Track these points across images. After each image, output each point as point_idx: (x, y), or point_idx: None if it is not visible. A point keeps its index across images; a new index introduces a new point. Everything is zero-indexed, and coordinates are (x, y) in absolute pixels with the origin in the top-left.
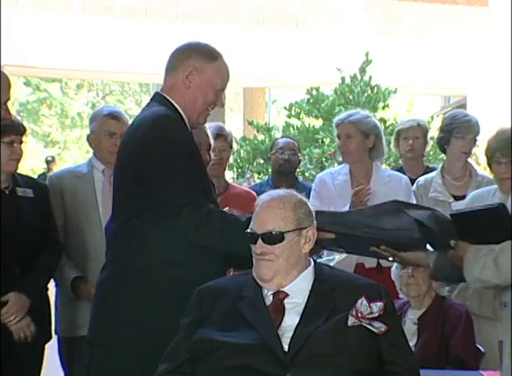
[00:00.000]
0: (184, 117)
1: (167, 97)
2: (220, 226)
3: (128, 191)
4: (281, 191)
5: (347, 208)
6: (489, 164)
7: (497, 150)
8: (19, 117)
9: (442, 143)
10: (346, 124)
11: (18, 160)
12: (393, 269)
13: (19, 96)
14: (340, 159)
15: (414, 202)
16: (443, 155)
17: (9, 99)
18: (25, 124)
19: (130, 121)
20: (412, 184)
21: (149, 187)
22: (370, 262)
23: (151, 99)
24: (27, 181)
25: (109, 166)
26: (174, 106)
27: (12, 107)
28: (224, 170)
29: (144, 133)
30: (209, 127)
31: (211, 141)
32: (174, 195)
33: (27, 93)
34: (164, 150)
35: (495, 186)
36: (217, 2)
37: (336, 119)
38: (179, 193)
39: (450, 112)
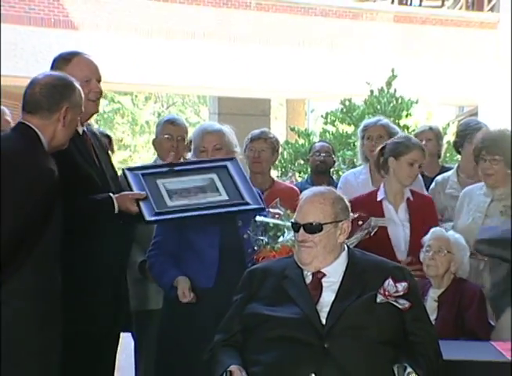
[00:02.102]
0: None
1: None
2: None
3: None
4: (322, 188)
5: None
6: (476, 161)
7: (483, 149)
8: (96, 125)
9: (457, 147)
10: (378, 126)
11: None
12: (421, 252)
13: None
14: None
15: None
16: (458, 156)
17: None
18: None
19: (188, 127)
20: (430, 182)
21: None
22: None
23: None
24: None
25: None
26: None
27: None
28: (266, 168)
29: None
30: (253, 131)
31: (224, 145)
32: None
33: (103, 105)
34: None
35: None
36: (264, 26)
37: (365, 123)
38: None
39: (464, 120)
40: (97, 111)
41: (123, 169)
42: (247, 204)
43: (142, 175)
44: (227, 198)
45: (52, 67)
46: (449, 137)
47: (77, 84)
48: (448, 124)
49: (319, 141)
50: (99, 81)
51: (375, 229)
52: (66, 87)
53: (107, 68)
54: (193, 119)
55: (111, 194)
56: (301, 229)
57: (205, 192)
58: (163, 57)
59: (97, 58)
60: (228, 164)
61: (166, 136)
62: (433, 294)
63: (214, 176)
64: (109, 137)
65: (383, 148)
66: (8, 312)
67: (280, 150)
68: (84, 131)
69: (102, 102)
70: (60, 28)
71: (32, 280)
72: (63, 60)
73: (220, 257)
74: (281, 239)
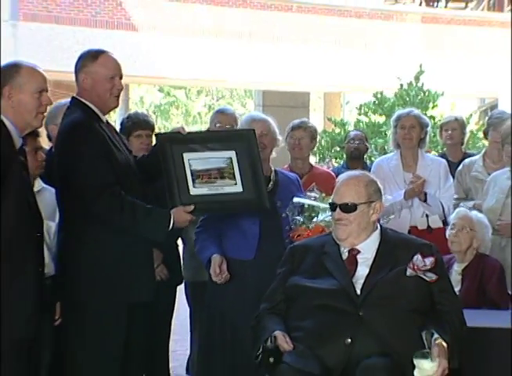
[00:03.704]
0: (96, 110)
1: (81, 99)
2: (131, 212)
3: (63, 194)
4: (357, 172)
5: (401, 193)
6: (502, 146)
7: (510, 135)
8: (153, 116)
9: (485, 134)
10: (411, 117)
11: (146, 149)
12: (447, 231)
13: (154, 100)
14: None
15: (451, 181)
16: (480, 144)
17: (44, 89)
18: (158, 121)
19: (237, 117)
20: (457, 166)
21: (72, 184)
22: (422, 225)
23: (70, 103)
24: None
25: None
26: (87, 105)
27: (149, 108)
28: (305, 154)
29: (64, 142)
30: (294, 121)
31: (269, 132)
32: (90, 186)
33: (160, 97)
34: (78, 154)
35: (507, 168)
36: (304, 27)
37: (399, 113)
38: (95, 184)
39: (495, 110)
40: (117, 105)
41: (156, 135)
42: (252, 204)
43: (171, 146)
44: (241, 190)
45: (79, 62)
46: (472, 126)
47: (27, 66)
48: (471, 115)
49: (354, 130)
50: (121, 78)
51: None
52: (7, 70)
53: (164, 65)
54: (240, 111)
55: (171, 212)
56: (338, 209)
57: (223, 178)
58: (213, 55)
59: (155, 56)
60: (245, 144)
61: (217, 125)
62: (457, 268)
63: (233, 155)
64: (150, 124)
65: None
66: None
67: (318, 138)
68: (106, 120)
69: (159, 95)
70: (122, 30)
71: None
72: (91, 57)
73: (260, 233)
74: (315, 219)
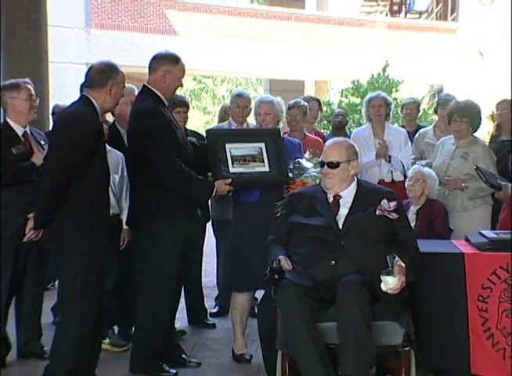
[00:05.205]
0: (162, 98)
1: (152, 88)
2: (187, 180)
3: (136, 162)
4: (340, 138)
5: (373, 155)
6: (449, 121)
7: (455, 113)
8: (188, 98)
9: (435, 111)
10: (380, 98)
11: (184, 122)
12: (406, 182)
13: (189, 86)
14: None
15: (409, 145)
16: (430, 118)
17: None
18: (192, 102)
19: (251, 99)
20: (413, 135)
21: (146, 155)
22: (388, 178)
23: (141, 90)
24: (192, 133)
25: (239, 125)
26: (156, 93)
27: (186, 92)
28: (300, 126)
29: (141, 123)
30: (289, 102)
31: (272, 111)
32: (160, 158)
33: (194, 84)
34: (153, 133)
35: (452, 136)
36: (301, 32)
37: (370, 96)
38: (164, 156)
39: (442, 93)
40: (172, 97)
41: (207, 131)
42: (276, 181)
43: (217, 138)
44: (268, 170)
45: (160, 60)
46: (423, 105)
47: (120, 68)
48: (423, 97)
49: (337, 108)
50: None
51: None
52: (111, 70)
53: (197, 60)
54: (253, 94)
55: (215, 183)
56: (325, 166)
57: (255, 161)
58: (232, 53)
59: (190, 53)
60: (272, 138)
61: (235, 105)
62: (413, 209)
63: (263, 146)
64: (186, 103)
65: None
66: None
67: None
68: (166, 105)
69: (193, 82)
70: (166, 34)
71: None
72: (173, 61)
73: None
74: (302, 176)
